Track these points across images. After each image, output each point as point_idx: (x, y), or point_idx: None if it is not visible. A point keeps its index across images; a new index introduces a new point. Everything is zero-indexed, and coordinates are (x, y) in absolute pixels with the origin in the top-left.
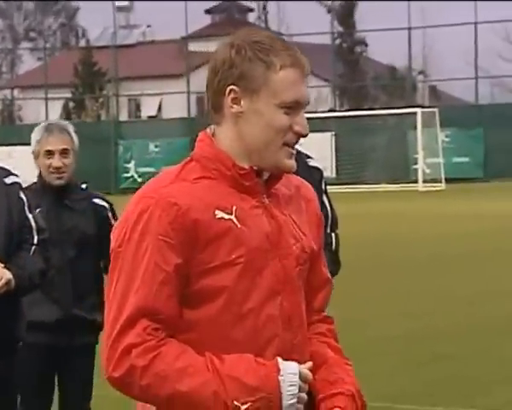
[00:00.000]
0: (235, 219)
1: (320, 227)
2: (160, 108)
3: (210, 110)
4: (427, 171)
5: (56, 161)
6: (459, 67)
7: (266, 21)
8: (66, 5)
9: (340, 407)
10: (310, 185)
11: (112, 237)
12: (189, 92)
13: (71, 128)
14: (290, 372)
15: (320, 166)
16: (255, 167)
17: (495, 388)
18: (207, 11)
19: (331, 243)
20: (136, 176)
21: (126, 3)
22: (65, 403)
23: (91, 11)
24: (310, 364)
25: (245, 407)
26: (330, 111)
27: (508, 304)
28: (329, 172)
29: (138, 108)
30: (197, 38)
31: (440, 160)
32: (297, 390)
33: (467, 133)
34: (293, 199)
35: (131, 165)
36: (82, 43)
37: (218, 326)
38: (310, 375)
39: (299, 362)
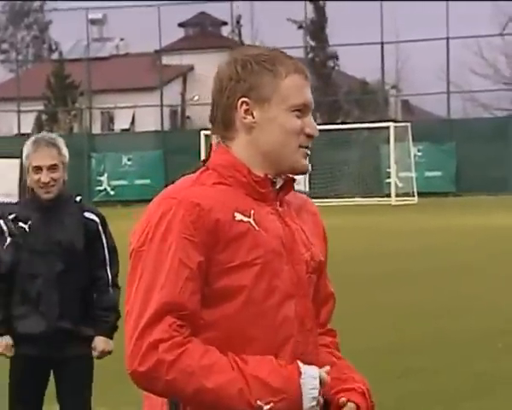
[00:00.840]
0: (253, 222)
1: (325, 241)
2: (133, 121)
3: (218, 128)
4: (400, 185)
5: (44, 177)
6: (431, 82)
7: (240, 35)
8: (38, 18)
9: (355, 402)
10: (312, 201)
11: (132, 237)
12: (162, 105)
13: (60, 141)
14: (311, 376)
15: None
16: (270, 176)
17: (465, 402)
18: (181, 25)
19: None
20: (108, 189)
21: (99, 16)
22: None
23: (64, 23)
24: (327, 368)
25: (268, 407)
26: None
27: (476, 318)
28: (302, 185)
29: (111, 120)
30: (170, 51)
31: (413, 174)
32: (317, 394)
33: (439, 148)
34: (302, 210)
35: (104, 178)
36: (55, 55)
37: (236, 325)
38: (328, 379)
39: (312, 365)
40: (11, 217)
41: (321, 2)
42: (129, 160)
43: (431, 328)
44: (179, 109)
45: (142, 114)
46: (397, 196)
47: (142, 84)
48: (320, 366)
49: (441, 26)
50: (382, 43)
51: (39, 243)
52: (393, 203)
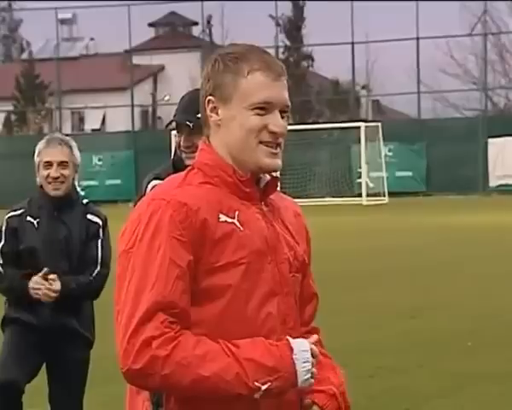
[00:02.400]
0: (237, 223)
1: (308, 242)
2: (103, 121)
3: (203, 125)
4: (371, 185)
5: (54, 172)
6: (402, 82)
7: (211, 35)
8: (6, 17)
9: (317, 404)
10: (296, 202)
11: (121, 239)
12: (132, 105)
13: (72, 142)
14: (302, 350)
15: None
16: (241, 173)
17: (435, 400)
18: (151, 24)
19: None
20: (79, 189)
21: (69, 16)
22: (55, 396)
23: (34, 23)
24: (315, 337)
25: (265, 386)
26: None
27: (446, 317)
28: None
29: (82, 121)
30: (141, 51)
31: (383, 174)
32: (310, 366)
33: (409, 148)
34: (286, 210)
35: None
36: (24, 55)
37: (221, 323)
38: (317, 350)
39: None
40: (19, 212)
41: (300, 2)
42: (99, 160)
43: (401, 327)
44: (150, 109)
45: (113, 115)
46: (368, 195)
47: (113, 84)
48: None
49: (411, 26)
50: (353, 44)
51: (46, 240)
52: (364, 203)
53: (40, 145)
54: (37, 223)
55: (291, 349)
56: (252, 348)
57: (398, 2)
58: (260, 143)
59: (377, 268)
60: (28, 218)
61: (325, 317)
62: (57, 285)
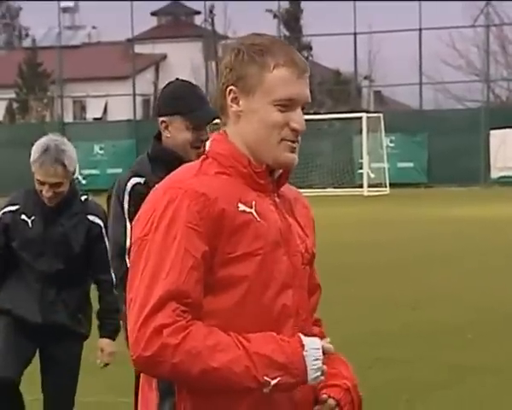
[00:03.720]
0: (254, 213)
1: (314, 233)
2: (105, 110)
3: (219, 113)
4: (372, 176)
5: (46, 192)
6: (404, 73)
7: (213, 24)
8: (8, 5)
9: (334, 398)
10: (302, 194)
11: (135, 226)
12: (134, 94)
13: (68, 156)
14: (313, 347)
15: None
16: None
17: (435, 392)
18: (153, 13)
19: None
20: (80, 178)
21: (71, 4)
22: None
23: (36, 11)
24: (328, 339)
25: (274, 381)
26: None
27: (446, 309)
28: None
29: (83, 109)
30: (143, 40)
31: (385, 165)
32: (321, 364)
33: (411, 139)
34: (296, 203)
35: (76, 167)
36: (25, 43)
37: (237, 314)
38: (331, 348)
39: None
40: (14, 208)
41: None
42: (101, 149)
43: (402, 318)
44: (152, 98)
45: (115, 103)
46: (369, 186)
47: (115, 72)
48: None
49: (414, 16)
50: (355, 34)
51: (40, 239)
52: (365, 194)
53: (36, 154)
54: (32, 221)
55: (302, 346)
56: (263, 343)
57: None
58: (282, 139)
59: (378, 260)
60: (22, 216)
61: (325, 308)
62: (112, 347)
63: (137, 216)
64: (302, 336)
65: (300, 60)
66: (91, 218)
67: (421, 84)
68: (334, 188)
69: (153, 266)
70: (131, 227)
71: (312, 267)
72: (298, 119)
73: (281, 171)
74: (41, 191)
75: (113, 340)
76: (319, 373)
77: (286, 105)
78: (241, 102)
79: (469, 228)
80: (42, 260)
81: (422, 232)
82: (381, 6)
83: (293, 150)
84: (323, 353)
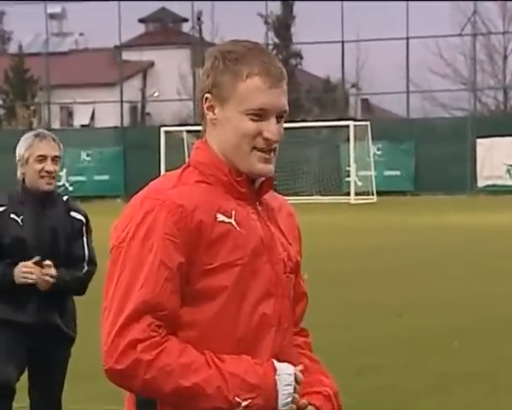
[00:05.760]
0: (234, 223)
1: (300, 242)
2: (92, 117)
3: (200, 120)
4: (359, 183)
5: (49, 166)
6: (391, 81)
7: (201, 32)
8: None
9: (314, 405)
10: (288, 202)
11: (112, 233)
12: (122, 101)
13: (58, 140)
14: (286, 373)
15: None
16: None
17: (421, 399)
18: (141, 20)
19: None
20: (67, 185)
21: (59, 11)
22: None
23: (23, 17)
24: (301, 367)
25: (245, 403)
26: None
27: (433, 316)
28: None
29: (71, 116)
30: (130, 46)
31: (372, 173)
32: (292, 390)
33: (398, 147)
34: (279, 210)
35: (63, 173)
36: (11, 49)
37: (216, 324)
38: (302, 377)
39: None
40: (2, 209)
41: (290, 1)
42: (88, 155)
43: (388, 325)
44: (139, 105)
45: (102, 110)
46: (356, 194)
47: (102, 79)
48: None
49: (401, 25)
50: (343, 42)
51: (31, 237)
52: (352, 202)
53: (29, 140)
54: (22, 220)
55: (275, 370)
56: (236, 364)
57: (388, 2)
58: (254, 148)
59: (364, 267)
60: (12, 215)
61: (312, 315)
62: (54, 271)
63: (115, 224)
64: (275, 362)
65: (276, 67)
66: (73, 214)
67: (408, 92)
68: (321, 195)
69: (128, 275)
70: None
71: (298, 275)
72: (271, 128)
73: (262, 179)
74: (41, 171)
75: (59, 278)
76: (290, 399)
77: (258, 115)
78: (216, 110)
79: (456, 236)
80: (33, 257)
81: (409, 240)
82: (369, 14)
83: (266, 161)
84: (296, 381)
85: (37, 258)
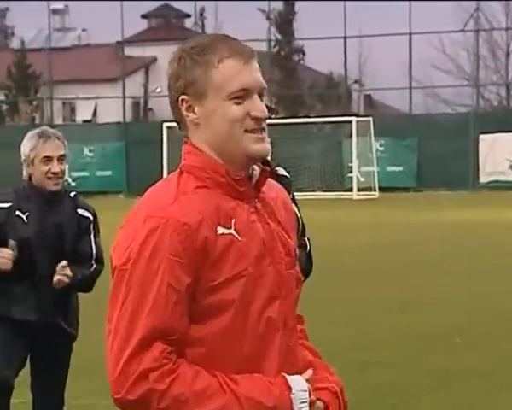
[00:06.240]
0: (234, 233)
1: (296, 230)
2: (95, 113)
3: (178, 125)
4: (362, 179)
5: (55, 167)
6: (394, 77)
7: (203, 27)
8: None
9: (324, 401)
10: (285, 190)
11: (114, 253)
12: (124, 97)
13: (62, 136)
14: (300, 390)
15: (288, 175)
16: (231, 170)
17: (423, 396)
18: (144, 16)
19: (306, 246)
20: (70, 180)
21: (61, 6)
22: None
23: (26, 13)
24: (310, 372)
25: None
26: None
27: (436, 313)
28: None
29: (73, 111)
30: (133, 42)
31: (374, 168)
32: (307, 407)
33: (401, 143)
34: (277, 203)
35: (65, 169)
36: (14, 44)
37: (224, 338)
38: (310, 387)
39: (294, 365)
40: (7, 205)
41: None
42: (90, 151)
43: (390, 322)
44: (141, 101)
45: (104, 106)
46: (358, 190)
47: (105, 75)
48: (300, 366)
49: (404, 21)
50: (345, 38)
51: (35, 235)
52: (355, 198)
53: (33, 140)
54: (27, 217)
55: (289, 388)
56: (251, 386)
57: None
58: (245, 131)
59: (366, 263)
60: (17, 212)
61: (314, 311)
62: (69, 271)
63: (116, 242)
64: (288, 377)
65: (244, 47)
66: (80, 211)
67: (410, 88)
68: (324, 191)
69: (134, 299)
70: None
71: (296, 265)
72: (257, 106)
73: (258, 174)
74: (47, 172)
75: (73, 278)
76: None
77: (241, 96)
78: (196, 109)
79: (458, 232)
80: (38, 256)
81: (412, 236)
82: (372, 10)
83: (261, 140)
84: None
85: (12, 243)
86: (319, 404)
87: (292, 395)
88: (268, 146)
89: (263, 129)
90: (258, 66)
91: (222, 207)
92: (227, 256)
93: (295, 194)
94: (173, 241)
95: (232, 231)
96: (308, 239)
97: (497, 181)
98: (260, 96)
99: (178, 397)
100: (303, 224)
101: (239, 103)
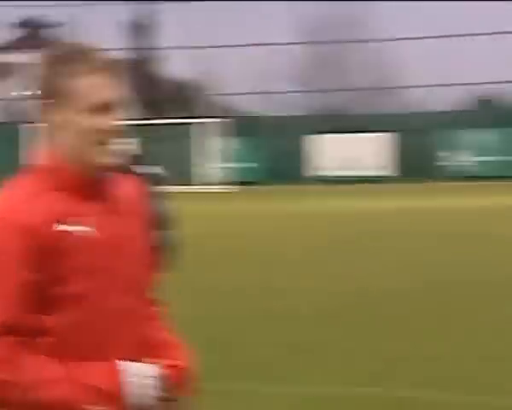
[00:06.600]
0: (82, 228)
1: (155, 224)
2: None
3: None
4: (216, 176)
5: None
6: (245, 83)
7: (71, 36)
8: None
9: (171, 379)
10: (145, 186)
11: None
12: None
13: None
14: (142, 375)
15: (159, 172)
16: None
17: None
18: (11, 25)
19: (169, 238)
20: None
21: None
22: None
23: None
24: (158, 356)
25: None
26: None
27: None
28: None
29: None
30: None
31: (228, 165)
32: (149, 391)
33: (250, 142)
34: (128, 200)
35: None
36: None
37: (74, 329)
38: (163, 372)
39: (146, 350)
40: None
41: (153, 6)
42: None
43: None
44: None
45: None
46: (214, 185)
47: None
48: (152, 350)
49: (259, 33)
50: (201, 48)
51: None
52: (212, 191)
53: None
54: None
55: (122, 372)
56: (88, 372)
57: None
58: (96, 143)
59: (226, 250)
60: None
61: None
62: None
63: None
64: (122, 363)
65: (105, 61)
66: None
67: (259, 93)
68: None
69: None
70: None
71: (148, 256)
72: (108, 120)
73: (106, 175)
74: None
75: None
76: (141, 399)
77: (97, 109)
78: (54, 116)
79: (293, 223)
80: None
81: (271, 227)
82: (225, 25)
83: (108, 153)
84: (158, 379)
85: None
86: (165, 381)
87: (126, 380)
88: (115, 159)
89: (114, 141)
90: (116, 79)
91: (70, 208)
92: (75, 252)
93: (164, 188)
94: (20, 241)
95: (81, 228)
96: (173, 231)
97: (323, 175)
98: (116, 108)
99: (20, 385)
100: (168, 217)
101: (92, 115)
